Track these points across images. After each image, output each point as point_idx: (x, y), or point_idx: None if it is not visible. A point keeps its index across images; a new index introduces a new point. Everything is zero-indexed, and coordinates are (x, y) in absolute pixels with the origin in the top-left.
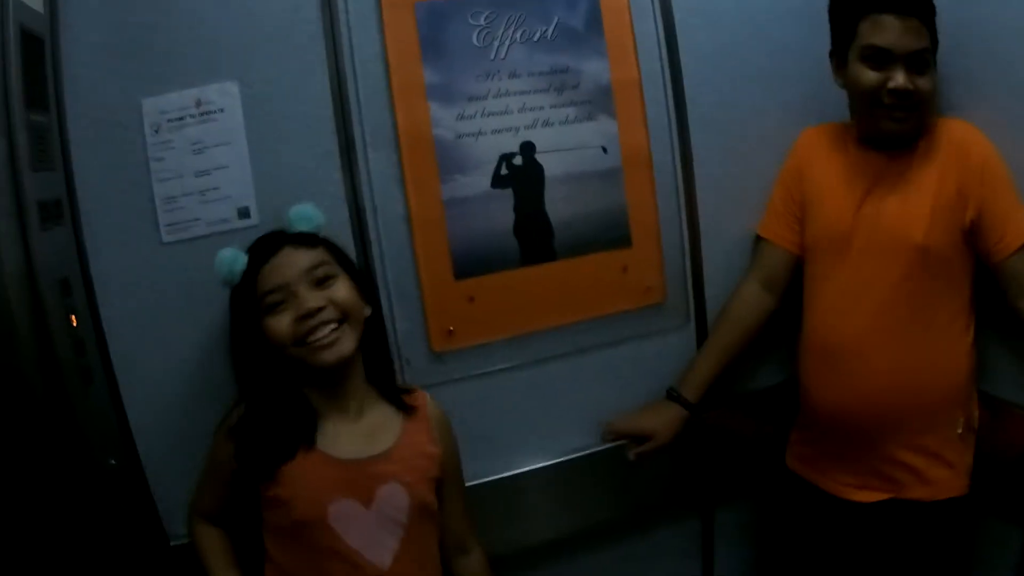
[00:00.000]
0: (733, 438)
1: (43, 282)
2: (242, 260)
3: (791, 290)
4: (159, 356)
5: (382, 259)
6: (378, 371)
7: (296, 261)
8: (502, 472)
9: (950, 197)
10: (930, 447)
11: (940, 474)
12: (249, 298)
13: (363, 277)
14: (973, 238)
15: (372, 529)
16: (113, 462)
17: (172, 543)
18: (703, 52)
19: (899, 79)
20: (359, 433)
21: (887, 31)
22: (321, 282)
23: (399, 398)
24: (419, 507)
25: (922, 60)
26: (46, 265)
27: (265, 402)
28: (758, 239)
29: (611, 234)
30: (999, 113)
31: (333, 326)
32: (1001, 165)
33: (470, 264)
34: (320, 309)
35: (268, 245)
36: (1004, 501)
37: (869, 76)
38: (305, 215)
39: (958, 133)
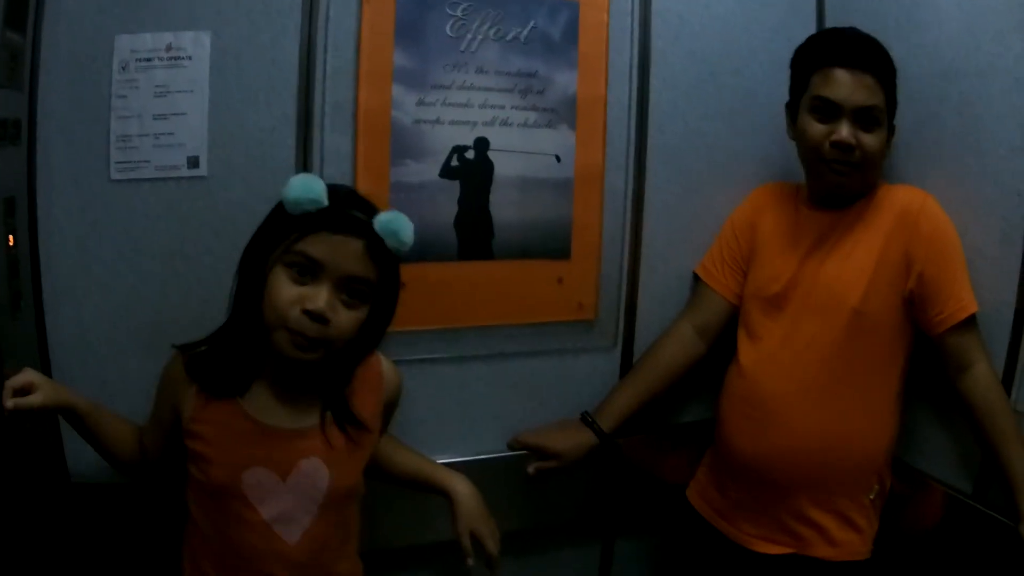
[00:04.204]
0: (643, 470)
1: None
2: (322, 203)
3: (722, 332)
4: (90, 295)
5: None
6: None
7: (354, 262)
8: None
9: (894, 263)
10: (841, 508)
11: (846, 536)
12: (287, 230)
13: (378, 323)
14: (914, 308)
15: (286, 503)
16: None
17: (74, 480)
18: (677, 81)
19: (843, 132)
20: (291, 407)
21: (837, 84)
22: (349, 294)
23: (346, 414)
24: (341, 490)
25: (871, 117)
26: None
27: (235, 329)
28: (697, 280)
29: (551, 244)
30: (965, 190)
31: (315, 338)
32: (952, 238)
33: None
34: (323, 318)
35: (350, 222)
36: (909, 570)
37: (815, 128)
38: (403, 231)
39: (912, 200)
